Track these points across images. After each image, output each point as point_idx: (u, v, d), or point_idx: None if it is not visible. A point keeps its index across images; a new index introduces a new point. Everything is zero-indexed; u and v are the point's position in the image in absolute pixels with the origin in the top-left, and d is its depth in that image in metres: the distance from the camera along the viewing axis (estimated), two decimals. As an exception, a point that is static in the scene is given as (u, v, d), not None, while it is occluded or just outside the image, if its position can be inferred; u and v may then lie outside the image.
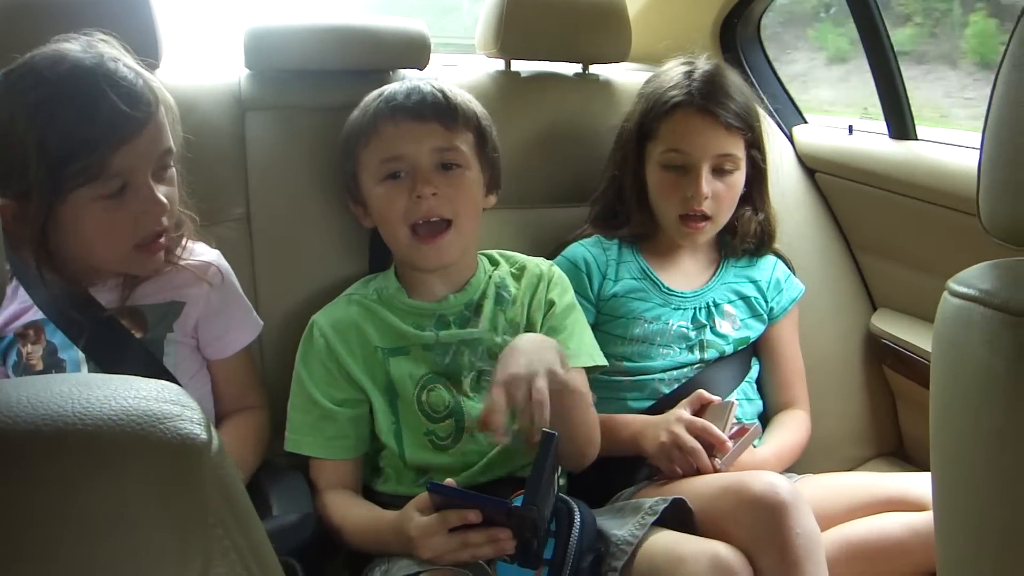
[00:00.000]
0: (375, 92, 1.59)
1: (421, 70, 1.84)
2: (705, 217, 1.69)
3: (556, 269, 1.66)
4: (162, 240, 1.38)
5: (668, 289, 1.74)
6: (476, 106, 1.60)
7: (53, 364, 1.39)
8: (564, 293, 1.63)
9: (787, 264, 1.85)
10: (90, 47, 1.32)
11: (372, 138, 1.53)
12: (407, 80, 1.60)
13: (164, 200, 1.34)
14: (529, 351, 1.39)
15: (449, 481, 1.35)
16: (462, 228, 1.53)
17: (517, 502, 1.26)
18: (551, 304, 1.59)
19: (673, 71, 1.75)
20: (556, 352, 1.41)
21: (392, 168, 1.51)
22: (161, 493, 0.50)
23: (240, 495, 0.54)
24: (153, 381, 0.54)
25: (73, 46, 1.31)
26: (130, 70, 1.32)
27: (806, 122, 2.23)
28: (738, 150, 1.70)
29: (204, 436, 0.52)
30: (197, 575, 0.49)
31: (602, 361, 1.59)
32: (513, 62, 2.04)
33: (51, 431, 0.48)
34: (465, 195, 1.53)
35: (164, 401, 0.52)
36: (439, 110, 1.52)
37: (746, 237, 1.78)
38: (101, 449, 0.49)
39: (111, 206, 1.30)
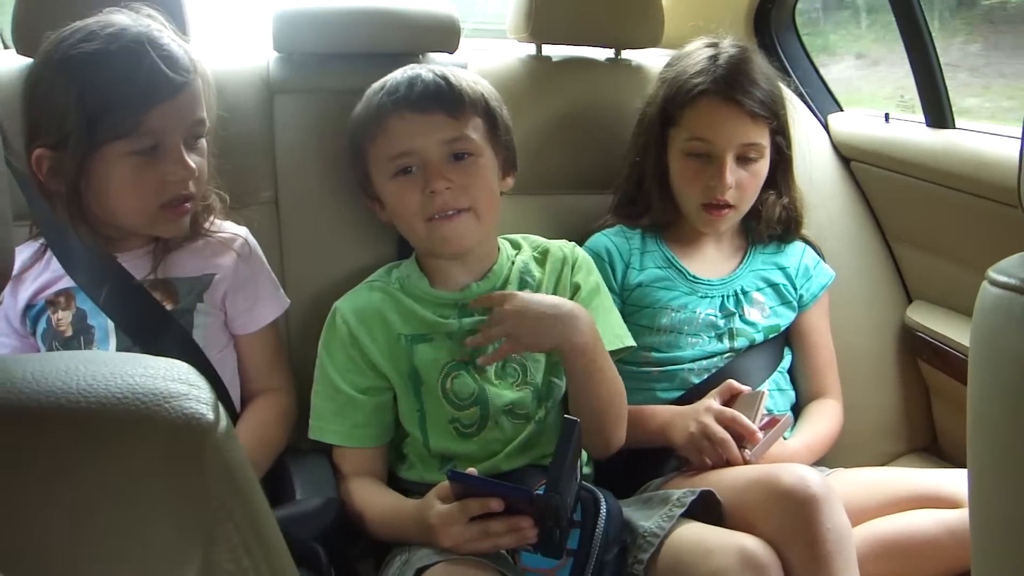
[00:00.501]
0: (377, 84, 1.56)
1: (451, 54, 1.83)
2: (728, 205, 1.67)
3: (580, 251, 1.64)
4: (188, 205, 1.42)
5: (694, 277, 1.72)
6: (484, 87, 1.56)
7: (82, 331, 1.42)
8: (589, 275, 1.61)
9: (816, 250, 1.83)
10: (137, 19, 1.39)
11: (379, 134, 1.51)
12: (409, 68, 1.56)
13: (192, 165, 1.39)
14: (555, 321, 1.46)
15: (471, 470, 1.34)
16: (481, 215, 1.50)
17: (540, 491, 1.24)
18: (576, 287, 1.58)
19: (697, 54, 1.71)
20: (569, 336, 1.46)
21: (402, 164, 1.49)
22: (164, 473, 0.49)
23: (247, 478, 0.53)
24: (163, 359, 0.53)
25: (122, 16, 1.38)
26: (173, 40, 1.39)
27: (842, 110, 2.20)
28: (763, 138, 1.67)
29: (211, 416, 0.51)
30: (198, 558, 0.48)
31: (630, 342, 1.58)
32: (544, 46, 2.02)
33: (54, 408, 0.47)
34: (480, 183, 1.50)
35: (172, 379, 0.51)
36: (443, 100, 1.49)
37: (771, 222, 1.76)
38: (104, 426, 0.48)
39: (141, 163, 1.35)
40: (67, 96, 1.31)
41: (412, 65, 1.58)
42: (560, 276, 1.59)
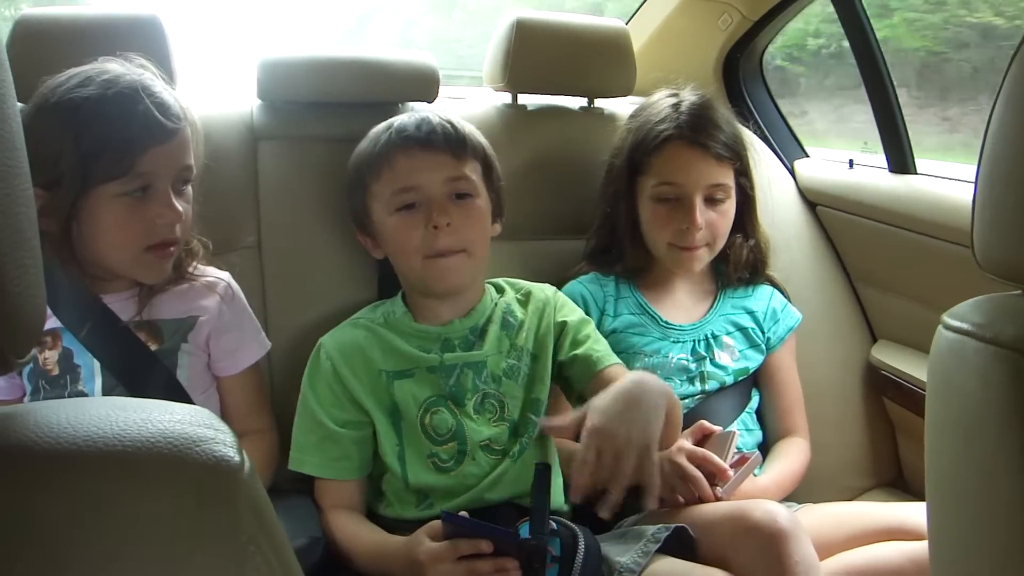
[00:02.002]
0: (383, 124, 1.61)
1: (430, 103, 1.87)
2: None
3: (560, 294, 1.70)
4: (172, 249, 1.45)
5: (666, 323, 1.76)
6: (480, 137, 1.63)
7: (68, 369, 1.44)
8: (572, 312, 1.66)
9: (783, 293, 1.87)
10: (131, 68, 1.43)
11: (384, 169, 1.55)
12: (415, 112, 1.63)
13: (180, 209, 1.42)
14: (635, 406, 1.36)
15: (462, 513, 1.37)
16: (474, 256, 1.56)
17: (522, 529, 1.28)
18: (563, 324, 1.63)
19: (659, 104, 1.78)
20: (663, 406, 1.38)
21: (406, 199, 1.54)
22: (197, 513, 0.52)
23: (270, 515, 0.56)
24: (185, 406, 0.57)
25: (116, 64, 1.42)
26: (165, 89, 1.43)
27: (807, 156, 2.26)
28: (728, 179, 1.73)
29: (237, 459, 0.54)
30: None
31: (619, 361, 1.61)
32: (520, 95, 2.07)
33: (93, 452, 0.51)
34: (477, 224, 1.56)
35: (198, 425, 0.55)
36: (449, 140, 1.55)
37: (739, 264, 1.81)
38: (140, 469, 0.51)
39: (131, 205, 1.38)
40: (63, 137, 1.33)
41: (418, 110, 1.64)
42: (543, 316, 1.63)
